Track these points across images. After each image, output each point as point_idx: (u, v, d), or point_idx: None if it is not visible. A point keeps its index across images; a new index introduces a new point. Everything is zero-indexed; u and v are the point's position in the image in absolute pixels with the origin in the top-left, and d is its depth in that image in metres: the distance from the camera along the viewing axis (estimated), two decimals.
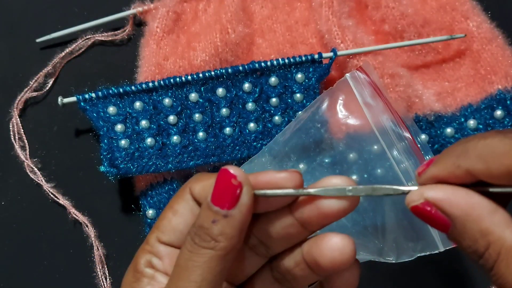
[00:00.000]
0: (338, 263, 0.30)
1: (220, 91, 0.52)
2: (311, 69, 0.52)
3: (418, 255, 0.42)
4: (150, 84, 0.51)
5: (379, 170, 0.45)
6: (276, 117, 0.52)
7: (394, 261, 0.42)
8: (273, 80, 0.52)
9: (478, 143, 0.26)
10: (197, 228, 0.29)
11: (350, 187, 0.30)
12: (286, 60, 0.52)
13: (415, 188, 0.29)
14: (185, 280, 0.29)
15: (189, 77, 0.52)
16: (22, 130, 0.55)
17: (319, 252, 0.31)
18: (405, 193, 0.29)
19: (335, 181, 0.30)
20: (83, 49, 0.59)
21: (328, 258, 0.30)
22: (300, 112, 0.50)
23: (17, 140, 0.55)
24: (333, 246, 0.30)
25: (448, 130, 0.53)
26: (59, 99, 0.52)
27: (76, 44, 0.58)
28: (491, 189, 0.27)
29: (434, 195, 0.28)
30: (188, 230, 0.30)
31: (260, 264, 0.34)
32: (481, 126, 0.53)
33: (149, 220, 0.52)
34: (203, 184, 0.32)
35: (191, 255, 0.29)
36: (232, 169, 0.29)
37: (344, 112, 0.46)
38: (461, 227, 0.27)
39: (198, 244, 0.29)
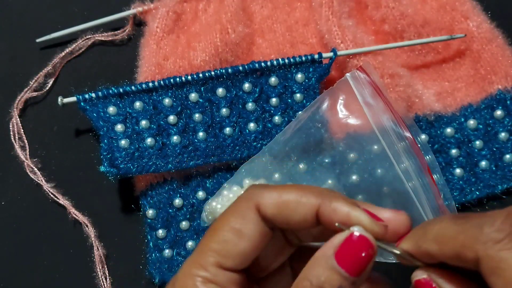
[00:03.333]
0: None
1: (220, 91, 0.52)
2: (311, 69, 0.52)
3: None
4: (150, 84, 0.51)
5: (379, 170, 0.45)
6: (276, 117, 0.52)
7: (394, 261, 0.42)
8: (273, 80, 0.52)
9: (434, 227, 0.29)
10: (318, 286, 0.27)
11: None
12: (286, 60, 0.52)
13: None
14: None
15: (189, 77, 0.52)
16: (22, 130, 0.55)
17: None
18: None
19: None
20: (83, 49, 0.58)
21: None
22: (300, 112, 0.50)
23: (17, 140, 0.55)
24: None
25: (448, 130, 0.53)
26: (59, 99, 0.52)
27: (76, 44, 0.58)
28: None
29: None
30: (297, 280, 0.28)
31: (289, 254, 0.33)
32: (481, 126, 0.53)
33: (149, 220, 0.52)
34: (277, 204, 0.29)
35: None
36: (371, 240, 0.28)
37: (344, 112, 0.46)
38: None
39: None
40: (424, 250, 0.29)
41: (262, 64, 0.52)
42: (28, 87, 0.56)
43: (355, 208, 0.29)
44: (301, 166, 0.47)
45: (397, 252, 0.30)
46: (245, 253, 0.29)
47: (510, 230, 0.26)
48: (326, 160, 0.47)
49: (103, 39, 0.59)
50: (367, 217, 0.29)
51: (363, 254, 0.28)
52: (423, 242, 0.29)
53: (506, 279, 0.26)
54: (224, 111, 0.52)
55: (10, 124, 0.55)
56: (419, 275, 0.30)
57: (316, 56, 0.52)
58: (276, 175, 0.47)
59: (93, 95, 0.51)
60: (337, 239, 0.28)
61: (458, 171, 0.53)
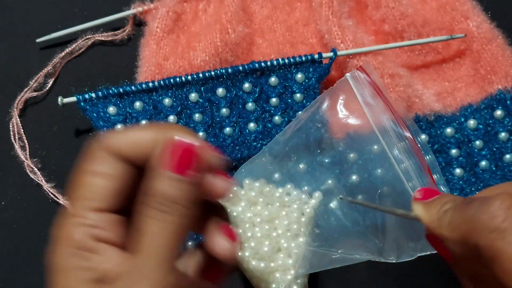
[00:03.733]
0: None
1: (220, 91, 0.52)
2: (311, 69, 0.52)
3: (419, 255, 0.42)
4: (150, 84, 0.51)
5: (379, 170, 0.45)
6: (276, 117, 0.52)
7: (394, 261, 0.43)
8: (273, 80, 0.52)
9: (449, 214, 0.31)
10: (159, 197, 0.28)
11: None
12: (286, 60, 0.52)
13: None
14: (154, 247, 0.28)
15: (189, 77, 0.52)
16: (22, 130, 0.55)
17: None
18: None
19: None
20: (83, 49, 0.58)
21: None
22: (300, 112, 0.50)
23: (17, 140, 0.55)
24: None
25: (448, 130, 0.53)
26: (59, 99, 0.52)
27: (76, 44, 0.58)
28: None
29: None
30: (140, 195, 0.29)
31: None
32: (481, 126, 0.53)
33: None
34: (125, 138, 0.30)
35: (156, 222, 0.28)
36: (188, 139, 0.29)
37: (344, 111, 0.46)
38: (459, 264, 0.33)
39: (162, 210, 0.28)
40: (439, 234, 0.32)
41: (262, 64, 0.52)
42: (28, 87, 0.56)
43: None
44: (301, 166, 0.47)
45: (412, 215, 0.34)
46: (108, 191, 0.29)
47: (505, 216, 0.28)
48: (326, 160, 0.47)
49: (103, 39, 0.59)
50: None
51: (187, 154, 0.29)
52: (439, 227, 0.32)
53: (503, 268, 0.27)
54: (224, 111, 0.52)
55: (10, 124, 0.55)
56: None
57: (316, 56, 0.52)
58: (276, 175, 0.47)
59: (93, 95, 0.51)
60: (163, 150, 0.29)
61: (458, 171, 0.53)
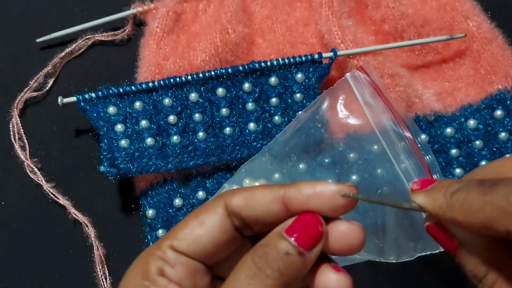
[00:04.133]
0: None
1: (220, 91, 0.52)
2: (311, 69, 0.52)
3: (419, 255, 0.42)
4: (150, 84, 0.51)
5: (379, 170, 0.45)
6: (276, 117, 0.52)
7: (394, 261, 0.43)
8: (273, 80, 0.52)
9: (460, 196, 0.28)
10: (264, 253, 0.28)
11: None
12: (286, 60, 0.52)
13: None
14: None
15: (189, 77, 0.52)
16: (22, 130, 0.55)
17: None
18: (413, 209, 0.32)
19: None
20: (83, 49, 0.58)
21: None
22: (300, 112, 0.50)
23: (17, 140, 0.55)
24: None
25: (448, 130, 0.53)
26: (59, 99, 0.52)
27: (76, 44, 0.58)
28: None
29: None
30: (247, 253, 0.29)
31: (239, 244, 0.33)
32: (481, 126, 0.53)
33: (149, 220, 0.52)
34: (244, 196, 0.31)
35: (249, 281, 0.28)
36: (320, 217, 0.30)
37: (344, 111, 0.46)
38: (468, 252, 0.30)
39: (262, 270, 0.28)
40: (450, 218, 0.29)
41: (262, 64, 0.52)
42: (28, 87, 0.56)
43: (319, 182, 0.31)
44: (301, 166, 0.47)
45: (414, 206, 0.31)
46: (200, 241, 0.30)
47: None
48: (326, 160, 0.47)
49: (103, 39, 0.59)
50: (333, 183, 0.30)
51: (313, 228, 0.29)
52: (449, 210, 0.29)
53: None
54: (224, 111, 0.52)
55: (10, 124, 0.55)
56: (430, 219, 0.31)
57: (316, 56, 0.52)
58: (276, 175, 0.47)
59: (93, 95, 0.51)
60: (290, 219, 0.30)
61: (458, 171, 0.53)
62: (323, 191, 0.30)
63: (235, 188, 0.36)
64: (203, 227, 0.31)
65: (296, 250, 0.28)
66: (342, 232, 0.31)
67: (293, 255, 0.28)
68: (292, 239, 0.29)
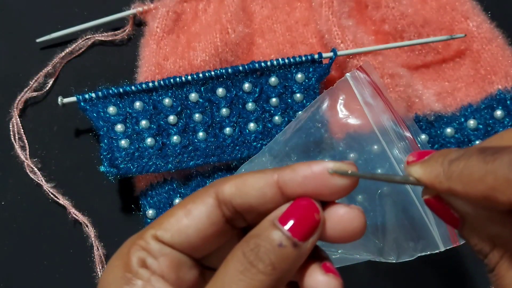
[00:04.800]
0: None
1: (220, 91, 0.52)
2: (311, 69, 0.52)
3: (419, 255, 0.42)
4: (150, 84, 0.51)
5: (379, 170, 0.45)
6: (276, 117, 0.52)
7: (394, 261, 0.42)
8: (273, 80, 0.52)
9: (460, 164, 0.26)
10: (255, 246, 0.26)
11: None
12: (286, 60, 0.52)
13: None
14: None
15: (189, 77, 0.52)
16: (22, 130, 0.55)
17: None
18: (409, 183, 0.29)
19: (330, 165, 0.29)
20: (83, 49, 0.59)
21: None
22: (300, 112, 0.50)
23: (17, 140, 0.55)
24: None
25: (448, 130, 0.53)
26: (59, 99, 0.52)
27: (76, 44, 0.58)
28: None
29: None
30: (238, 244, 0.27)
31: (230, 237, 0.31)
32: (481, 126, 0.53)
33: (149, 220, 0.52)
34: (236, 183, 0.29)
35: (240, 276, 0.26)
36: (317, 204, 0.28)
37: (344, 111, 0.46)
38: (471, 226, 0.28)
39: (253, 265, 0.26)
40: (447, 188, 0.26)
41: (262, 64, 0.52)
42: (28, 87, 0.56)
43: (315, 161, 0.29)
44: None
45: (411, 180, 0.28)
46: (186, 232, 0.29)
47: None
48: (326, 160, 0.47)
49: (103, 39, 0.59)
50: (330, 162, 0.28)
51: (308, 216, 0.27)
52: (447, 180, 0.26)
53: None
54: (224, 111, 0.52)
55: (10, 124, 0.55)
56: (428, 193, 0.29)
57: (316, 56, 0.52)
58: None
59: (93, 95, 0.51)
60: (284, 205, 0.28)
61: None
62: (320, 170, 0.28)
63: None
64: (190, 217, 0.29)
65: (290, 241, 0.26)
66: (341, 217, 0.28)
67: (287, 246, 0.26)
68: (286, 228, 0.27)
